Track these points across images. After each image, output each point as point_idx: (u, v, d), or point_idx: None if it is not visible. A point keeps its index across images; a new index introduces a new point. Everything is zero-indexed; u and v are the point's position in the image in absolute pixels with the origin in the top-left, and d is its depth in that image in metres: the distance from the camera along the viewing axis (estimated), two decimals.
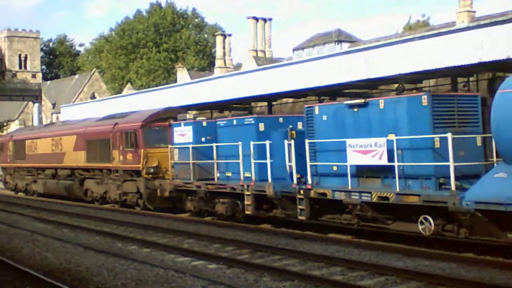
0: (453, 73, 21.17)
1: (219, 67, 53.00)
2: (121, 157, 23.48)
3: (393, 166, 13.32)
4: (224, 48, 54.68)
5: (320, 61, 24.79)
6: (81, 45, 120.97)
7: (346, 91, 25.58)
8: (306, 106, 16.35)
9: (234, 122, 18.81)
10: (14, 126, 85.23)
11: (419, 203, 12.65)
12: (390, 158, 13.34)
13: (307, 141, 15.53)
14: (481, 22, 20.61)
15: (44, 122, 66.67)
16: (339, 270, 11.41)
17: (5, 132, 75.79)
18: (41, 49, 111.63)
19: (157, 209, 21.93)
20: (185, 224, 18.97)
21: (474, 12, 36.26)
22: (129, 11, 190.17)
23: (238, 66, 59.24)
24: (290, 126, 16.95)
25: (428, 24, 57.17)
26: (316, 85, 23.02)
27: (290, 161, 15.94)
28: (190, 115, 20.64)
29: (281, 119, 18.20)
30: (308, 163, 15.34)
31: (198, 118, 20.67)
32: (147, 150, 22.18)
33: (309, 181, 15.38)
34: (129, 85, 71.62)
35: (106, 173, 24.88)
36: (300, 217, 15.48)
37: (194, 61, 79.60)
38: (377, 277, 10.75)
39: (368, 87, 24.66)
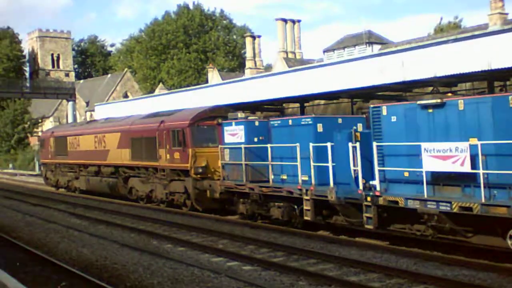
0: (490, 76, 20.94)
1: (250, 68, 53.08)
2: (168, 156, 22.85)
3: (476, 174, 12.19)
4: (253, 49, 54.72)
5: (353, 62, 24.71)
6: (112, 45, 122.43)
7: (379, 93, 25.47)
8: (371, 106, 15.06)
9: (290, 122, 17.77)
10: (48, 123, 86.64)
11: (508, 215, 11.49)
12: (473, 164, 12.21)
13: (375, 144, 14.20)
14: None
15: (78, 120, 67.72)
16: (376, 277, 11.28)
17: (40, 129, 77.17)
18: (73, 49, 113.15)
19: (206, 210, 21.34)
20: (218, 224, 19.03)
21: (507, 14, 35.77)
22: (157, 13, 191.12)
23: (268, 67, 59.27)
24: (355, 128, 15.76)
25: (460, 26, 56.49)
26: (349, 87, 22.97)
27: (355, 165, 14.69)
28: (241, 114, 20.02)
29: (340, 120, 17.17)
30: (377, 168, 14.09)
31: (250, 117, 19.92)
32: (196, 150, 21.49)
33: (378, 188, 14.12)
34: (161, 84, 72.17)
35: (152, 172, 24.34)
36: (367, 226, 14.30)
37: (224, 62, 79.84)
38: (415, 285, 10.62)
39: (401, 90, 24.52)
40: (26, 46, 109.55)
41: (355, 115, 25.10)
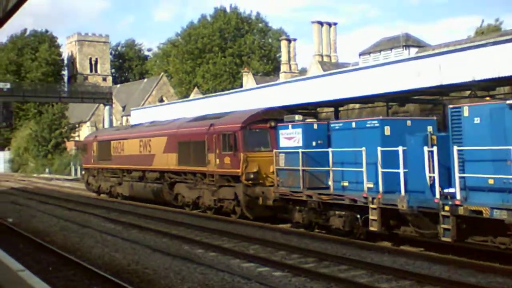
0: None
1: (284, 72, 52.99)
2: (217, 160, 21.72)
3: None
4: (289, 52, 54.64)
5: (389, 66, 24.38)
6: (149, 49, 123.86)
7: (416, 97, 25.08)
8: (451, 106, 13.88)
9: (353, 124, 16.55)
10: (85, 128, 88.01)
11: None
12: None
13: (455, 148, 12.97)
14: None
15: (115, 124, 68.50)
16: (408, 284, 11.11)
17: (77, 134, 78.31)
18: (110, 53, 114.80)
19: (256, 219, 20.28)
20: (250, 229, 18.94)
21: None
22: (194, 16, 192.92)
23: (303, 71, 59.08)
24: (430, 131, 14.72)
25: (500, 28, 55.39)
26: (384, 91, 22.67)
27: (431, 171, 13.46)
28: (299, 116, 18.95)
29: (409, 122, 16.04)
30: (457, 175, 12.85)
31: (307, 120, 18.94)
32: (247, 154, 20.37)
33: (457, 196, 12.89)
34: (196, 89, 72.61)
35: (200, 178, 23.31)
36: (444, 238, 13.10)
37: (258, 65, 79.97)
38: None
39: (438, 94, 24.10)
40: (65, 50, 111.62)
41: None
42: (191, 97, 59.38)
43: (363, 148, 15.31)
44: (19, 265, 10.33)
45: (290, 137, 18.37)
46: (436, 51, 24.23)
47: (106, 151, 32.32)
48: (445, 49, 24.20)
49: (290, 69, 53.62)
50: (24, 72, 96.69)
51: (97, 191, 34.54)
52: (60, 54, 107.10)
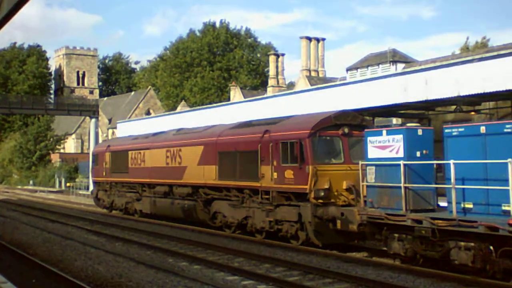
0: None
1: (272, 86, 53.17)
2: (274, 174, 18.00)
3: None
4: (277, 67, 54.88)
5: (377, 81, 24.51)
6: (136, 62, 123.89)
7: (402, 111, 25.19)
8: None
9: (482, 129, 12.95)
10: (71, 140, 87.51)
11: None
12: None
13: None
14: None
15: (100, 138, 68.10)
16: None
17: (62, 146, 77.79)
18: (98, 66, 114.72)
19: (326, 246, 16.86)
20: (235, 242, 18.81)
21: None
22: (184, 31, 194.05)
23: (290, 85, 59.29)
24: None
25: (487, 45, 55.98)
26: (371, 105, 22.78)
27: None
28: (397, 120, 15.91)
29: None
30: None
31: (409, 124, 15.22)
32: (317, 167, 16.76)
33: None
34: (183, 102, 72.58)
35: (249, 195, 19.55)
36: None
37: (246, 80, 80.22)
38: None
39: (424, 108, 24.23)
40: (53, 63, 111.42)
41: None
42: (178, 110, 59.30)
43: (510, 160, 11.94)
44: (1, 277, 10.17)
45: (385, 146, 14.73)
46: (423, 66, 24.39)
47: (122, 162, 28.56)
48: (432, 65, 24.37)
49: (278, 83, 53.83)
50: (11, 85, 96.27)
51: (109, 207, 30.78)
52: (48, 67, 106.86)
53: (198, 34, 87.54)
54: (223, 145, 21.03)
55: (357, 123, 17.67)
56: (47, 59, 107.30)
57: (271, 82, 54.25)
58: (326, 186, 16.66)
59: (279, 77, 54.64)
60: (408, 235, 13.93)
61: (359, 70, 43.37)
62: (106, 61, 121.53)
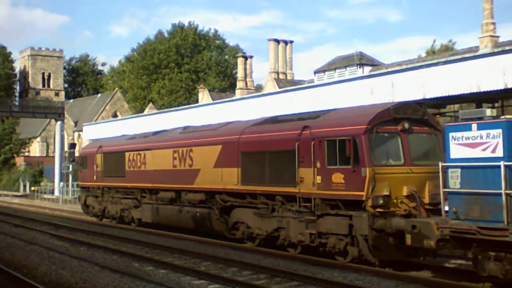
0: (478, 98, 20.92)
1: (240, 88, 53.16)
2: (318, 178, 15.23)
3: None
4: (245, 69, 54.89)
5: (344, 84, 24.70)
6: (103, 64, 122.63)
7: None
8: None
9: None
10: (36, 143, 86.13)
11: None
12: None
13: None
14: (506, 48, 20.41)
15: (66, 141, 67.18)
16: None
17: (27, 149, 76.57)
18: (64, 68, 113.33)
19: (384, 264, 14.26)
20: (203, 246, 18.71)
21: (498, 37, 35.94)
22: (152, 32, 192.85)
23: (258, 88, 59.36)
24: None
25: (452, 48, 56.90)
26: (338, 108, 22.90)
27: None
28: (492, 111, 12.47)
29: None
30: None
31: (510, 116, 12.37)
32: (375, 170, 14.13)
33: None
34: (151, 104, 72.12)
35: (281, 202, 16.71)
36: None
37: (215, 82, 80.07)
38: None
39: None
40: (18, 65, 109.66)
41: None
42: (146, 112, 58.89)
43: None
44: None
45: (475, 144, 12.20)
46: (389, 69, 24.68)
47: (118, 165, 25.40)
48: (398, 68, 24.64)
49: (246, 85, 53.82)
50: None
51: (100, 215, 27.58)
52: (13, 69, 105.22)
53: (166, 35, 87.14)
54: (247, 144, 18.12)
55: (418, 117, 15.05)
56: (12, 61, 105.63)
57: (239, 84, 54.22)
58: (386, 193, 14.02)
59: (248, 79, 54.66)
60: (509, 254, 11.34)
61: (326, 73, 43.68)
62: (73, 62, 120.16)
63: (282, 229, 16.67)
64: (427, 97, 20.61)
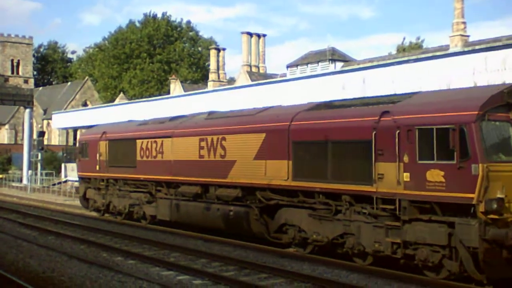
0: None
1: (213, 80, 53.04)
2: (405, 175, 12.45)
3: None
4: (218, 61, 54.78)
5: (316, 78, 24.85)
6: (73, 52, 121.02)
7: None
8: None
9: None
10: (4, 130, 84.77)
11: None
12: None
13: None
14: (476, 47, 20.80)
15: (35, 129, 66.23)
16: None
17: None
18: (33, 55, 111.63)
19: (493, 282, 11.68)
20: (172, 237, 18.70)
21: (468, 36, 36.50)
22: (124, 22, 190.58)
23: (231, 80, 59.33)
24: None
25: (421, 46, 57.59)
26: (309, 102, 23.05)
27: None
28: None
29: None
30: None
31: None
32: (489, 166, 11.50)
33: None
34: (121, 94, 71.48)
35: (349, 203, 13.91)
36: None
37: (187, 73, 79.68)
38: None
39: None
40: None
41: None
42: (117, 102, 58.37)
43: None
44: None
45: None
46: (361, 65, 24.91)
47: (127, 154, 22.42)
48: (369, 64, 24.91)
49: (219, 78, 53.73)
50: None
51: (103, 210, 24.54)
52: None
53: (138, 25, 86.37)
54: (301, 132, 15.13)
55: None
56: None
57: (211, 76, 54.09)
58: (501, 195, 11.43)
59: (220, 71, 54.55)
60: None
61: (299, 67, 43.84)
62: (41, 49, 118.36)
63: (348, 236, 13.86)
64: (397, 93, 20.83)
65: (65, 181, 45.25)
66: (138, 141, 21.79)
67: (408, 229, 12.42)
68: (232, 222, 17.31)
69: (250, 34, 52.09)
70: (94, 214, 24.77)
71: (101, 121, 31.00)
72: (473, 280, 11.65)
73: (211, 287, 11.69)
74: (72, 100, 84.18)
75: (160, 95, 60.48)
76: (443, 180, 11.80)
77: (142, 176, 21.58)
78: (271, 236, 16.29)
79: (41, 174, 47.44)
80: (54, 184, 44.51)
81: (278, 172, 15.54)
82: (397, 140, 12.53)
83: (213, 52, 55.72)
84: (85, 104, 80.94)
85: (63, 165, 48.46)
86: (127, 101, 49.79)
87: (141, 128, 22.50)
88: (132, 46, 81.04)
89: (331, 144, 14.18)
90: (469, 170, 11.42)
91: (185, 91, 50.68)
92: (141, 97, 62.49)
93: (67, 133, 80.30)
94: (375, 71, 22.92)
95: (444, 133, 11.72)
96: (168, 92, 59.56)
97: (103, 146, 23.97)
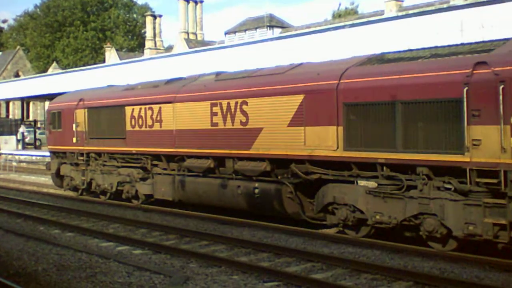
0: None
1: (149, 48, 52.31)
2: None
3: None
4: (154, 29, 53.97)
5: (254, 45, 24.79)
6: (4, 21, 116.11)
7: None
8: None
9: None
10: None
11: None
12: None
13: None
14: (410, 12, 21.17)
15: None
16: (266, 256, 11.34)
17: None
18: None
19: None
20: (111, 208, 18.49)
21: (402, 1, 37.17)
22: None
23: (169, 48, 58.51)
24: None
25: (357, 12, 58.22)
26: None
27: None
28: None
29: None
30: None
31: None
32: None
33: None
34: (54, 64, 69.47)
35: (427, 176, 11.20)
36: None
37: (123, 41, 78.10)
38: (303, 263, 10.73)
39: None
40: None
41: None
42: (50, 72, 56.67)
43: None
44: None
45: None
46: (298, 31, 24.97)
47: (113, 123, 19.19)
48: (306, 30, 25.00)
49: (156, 45, 53.02)
50: None
51: (83, 189, 21.20)
52: None
53: None
54: (356, 92, 12.24)
55: None
56: None
57: (148, 44, 53.28)
58: None
59: (157, 39, 53.79)
60: None
61: (237, 34, 43.67)
62: None
63: (426, 216, 11.19)
64: (335, 59, 21.06)
65: None
66: (128, 108, 18.56)
67: None
68: (258, 202, 14.39)
69: (187, 1, 51.45)
70: (70, 193, 21.93)
71: (38, 92, 30.06)
72: None
73: (152, 256, 11.64)
74: (3, 70, 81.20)
75: (95, 63, 59.09)
76: None
77: (134, 149, 18.41)
78: (308, 217, 13.69)
79: None
80: None
81: (322, 141, 12.79)
82: (501, 97, 10.01)
83: (149, 19, 54.82)
84: (17, 75, 78.22)
85: None
86: (60, 71, 48.38)
87: (131, 94, 19.04)
88: (65, 13, 78.61)
89: (400, 105, 11.42)
90: None
91: (120, 59, 49.75)
92: (76, 66, 60.84)
93: None
94: (311, 37, 23.09)
95: None
96: (104, 61, 58.26)
97: (80, 115, 20.58)
